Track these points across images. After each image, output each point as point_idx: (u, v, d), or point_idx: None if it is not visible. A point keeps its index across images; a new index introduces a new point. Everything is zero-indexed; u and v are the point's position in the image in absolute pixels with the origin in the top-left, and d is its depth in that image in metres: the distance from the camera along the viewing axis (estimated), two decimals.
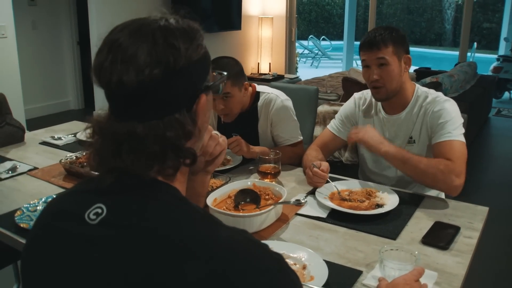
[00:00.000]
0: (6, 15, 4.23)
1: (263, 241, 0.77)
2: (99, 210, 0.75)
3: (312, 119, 2.61)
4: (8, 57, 4.31)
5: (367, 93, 2.01)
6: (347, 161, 3.88)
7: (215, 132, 1.11)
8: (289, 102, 2.21)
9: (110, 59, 0.76)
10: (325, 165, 1.81)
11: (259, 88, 2.25)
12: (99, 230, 0.74)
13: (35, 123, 4.49)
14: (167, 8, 0.86)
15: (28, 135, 2.49)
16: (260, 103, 2.19)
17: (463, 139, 1.74)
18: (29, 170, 2.00)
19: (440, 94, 1.86)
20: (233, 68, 2.04)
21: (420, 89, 1.89)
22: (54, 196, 0.91)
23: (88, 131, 0.80)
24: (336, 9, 17.41)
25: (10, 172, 1.97)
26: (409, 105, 1.87)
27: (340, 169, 2.49)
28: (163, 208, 0.75)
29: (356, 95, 2.06)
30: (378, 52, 1.77)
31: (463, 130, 1.77)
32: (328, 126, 2.06)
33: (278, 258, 0.74)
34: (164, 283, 0.66)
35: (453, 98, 4.48)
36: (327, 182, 1.78)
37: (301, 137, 2.22)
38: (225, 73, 0.96)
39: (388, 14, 16.53)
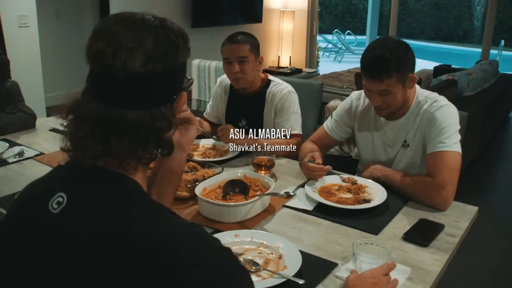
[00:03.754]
0: (29, 5, 4.34)
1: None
2: (60, 199, 0.79)
3: (316, 113, 2.64)
4: (30, 46, 4.43)
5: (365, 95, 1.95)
6: (356, 156, 3.88)
7: None
8: (295, 96, 2.32)
9: (114, 46, 0.80)
10: (318, 155, 1.85)
11: (272, 77, 2.37)
12: (59, 220, 0.78)
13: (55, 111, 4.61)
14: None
15: (39, 121, 2.58)
16: (269, 89, 2.31)
17: (456, 148, 1.68)
18: (36, 155, 2.08)
19: (439, 98, 1.80)
20: (253, 39, 2.27)
21: (420, 94, 1.82)
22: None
23: (70, 116, 0.84)
24: (362, 3, 17.21)
25: (17, 156, 2.06)
26: (408, 111, 1.82)
27: (349, 164, 2.51)
28: (118, 204, 0.78)
29: (353, 95, 2.03)
30: (381, 84, 1.68)
31: (458, 138, 1.71)
32: (324, 124, 2.08)
33: (224, 254, 0.77)
34: (113, 279, 0.70)
35: (469, 96, 4.46)
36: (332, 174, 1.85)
37: (300, 132, 2.26)
38: (192, 78, 1.03)
39: (416, 10, 16.28)
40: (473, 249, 2.92)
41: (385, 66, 1.66)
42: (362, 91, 1.97)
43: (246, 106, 2.33)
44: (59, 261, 0.75)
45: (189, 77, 0.97)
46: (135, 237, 0.72)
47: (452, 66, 6.25)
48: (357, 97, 2.01)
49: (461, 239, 1.49)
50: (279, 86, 2.29)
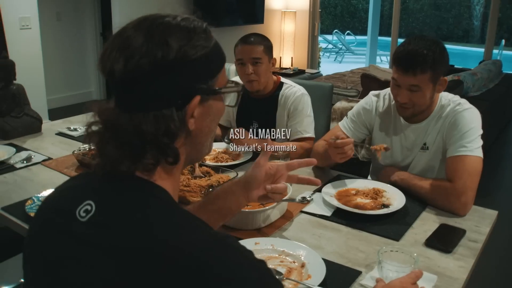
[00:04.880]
0: (31, 7, 4.32)
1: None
2: (89, 208, 0.76)
3: (327, 115, 2.61)
4: (32, 47, 4.40)
5: (385, 95, 1.93)
6: (363, 158, 3.85)
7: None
8: (308, 98, 2.30)
9: (111, 47, 0.78)
10: (339, 134, 1.78)
11: (284, 79, 2.34)
12: (88, 229, 0.75)
13: (57, 113, 4.58)
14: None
15: (45, 125, 2.54)
16: (281, 92, 2.28)
17: (478, 153, 1.65)
18: (43, 160, 2.05)
19: (462, 101, 1.76)
20: (266, 40, 2.23)
21: (444, 97, 1.78)
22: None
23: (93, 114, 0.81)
24: (362, 3, 17.22)
25: (25, 161, 2.02)
26: (431, 114, 1.77)
27: (356, 166, 2.48)
28: (145, 213, 0.75)
29: (372, 96, 1.97)
30: (413, 79, 1.63)
31: (480, 143, 1.67)
32: (340, 124, 2.03)
33: (260, 267, 0.74)
34: None
35: (475, 97, 4.43)
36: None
37: (313, 135, 2.23)
38: (241, 84, 0.95)
39: (415, 10, 16.28)
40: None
41: (421, 61, 1.61)
42: (381, 91, 1.94)
43: (258, 109, 2.29)
44: (86, 269, 0.72)
45: (230, 81, 0.90)
46: (162, 247, 0.69)
47: (455, 66, 6.21)
48: (376, 98, 1.96)
49: (483, 245, 1.46)
50: (292, 89, 2.26)
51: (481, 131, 1.70)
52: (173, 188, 0.85)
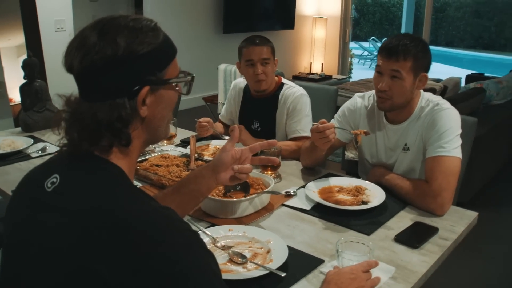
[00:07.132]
0: (66, 10, 4.56)
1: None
2: (55, 180, 0.91)
3: (330, 119, 2.66)
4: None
5: (369, 96, 1.99)
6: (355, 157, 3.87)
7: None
8: (307, 98, 2.36)
9: (71, 46, 0.91)
10: (323, 120, 1.79)
11: (284, 80, 2.42)
12: (51, 197, 0.89)
13: None
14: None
15: None
16: (282, 92, 2.36)
17: (455, 153, 1.69)
18: (57, 151, 2.21)
19: (441, 101, 1.80)
20: (271, 42, 2.33)
21: (424, 98, 1.83)
22: None
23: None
24: (401, 10, 17.02)
25: (40, 152, 2.20)
26: (412, 115, 1.83)
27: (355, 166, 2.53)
28: (98, 186, 0.88)
29: (357, 97, 2.03)
30: (395, 64, 1.71)
31: (458, 143, 1.71)
32: None
33: (190, 235, 0.85)
34: (82, 246, 0.79)
35: (498, 105, 4.36)
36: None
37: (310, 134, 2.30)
38: (193, 75, 1.05)
39: (456, 18, 15.96)
40: (493, 260, 2.89)
41: (404, 49, 1.70)
42: (366, 93, 2.01)
43: (259, 108, 2.39)
44: (48, 231, 0.85)
45: (182, 71, 1.01)
46: (106, 213, 0.81)
47: (485, 74, 6.11)
48: (361, 99, 2.02)
49: (454, 243, 1.50)
50: (292, 89, 2.34)
51: (459, 131, 1.73)
52: (129, 166, 0.97)
